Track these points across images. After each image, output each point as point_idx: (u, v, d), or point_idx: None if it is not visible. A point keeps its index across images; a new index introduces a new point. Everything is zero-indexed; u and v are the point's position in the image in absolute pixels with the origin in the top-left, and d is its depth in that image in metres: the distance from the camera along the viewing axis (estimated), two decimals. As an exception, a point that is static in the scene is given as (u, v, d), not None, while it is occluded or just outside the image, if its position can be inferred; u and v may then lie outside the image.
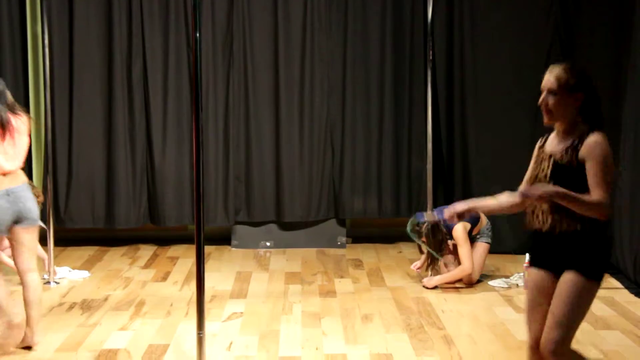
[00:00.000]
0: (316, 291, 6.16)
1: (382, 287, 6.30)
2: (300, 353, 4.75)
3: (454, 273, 6.19)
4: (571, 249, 3.35)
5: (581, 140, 3.33)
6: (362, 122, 7.72)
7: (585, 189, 3.28)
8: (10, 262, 6.33)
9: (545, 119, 3.44)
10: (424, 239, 6.09)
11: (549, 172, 3.40)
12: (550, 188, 3.29)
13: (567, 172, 3.34)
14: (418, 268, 6.40)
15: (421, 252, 6.27)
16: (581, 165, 3.30)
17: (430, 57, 6.60)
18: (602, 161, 3.27)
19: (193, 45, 3.98)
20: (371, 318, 5.47)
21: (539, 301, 3.45)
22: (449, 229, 6.16)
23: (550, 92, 3.39)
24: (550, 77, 3.40)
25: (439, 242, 6.08)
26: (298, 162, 7.72)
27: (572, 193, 3.25)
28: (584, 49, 7.17)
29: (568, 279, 3.34)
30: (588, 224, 3.30)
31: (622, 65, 6.78)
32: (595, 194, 3.25)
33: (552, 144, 3.45)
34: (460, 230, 6.17)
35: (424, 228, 6.05)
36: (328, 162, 7.76)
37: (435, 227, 6.04)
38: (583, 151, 3.30)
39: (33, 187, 6.45)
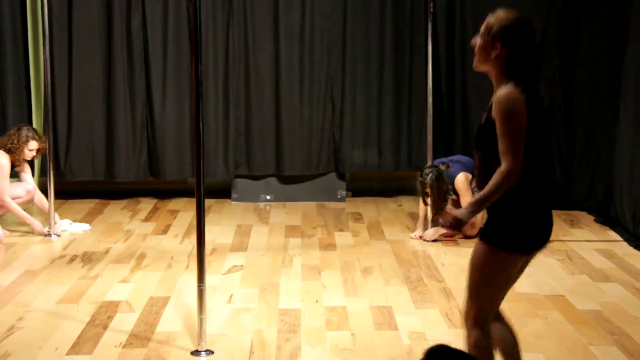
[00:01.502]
0: (316, 244, 6.19)
1: (382, 240, 6.32)
2: (300, 306, 4.79)
3: None
4: (487, 220, 3.14)
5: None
6: (363, 76, 7.68)
7: (495, 151, 3.00)
8: (24, 214, 6.36)
9: (474, 63, 3.16)
10: (428, 189, 6.07)
11: (475, 135, 3.16)
12: (464, 212, 3.00)
13: (486, 133, 3.05)
14: (420, 237, 6.35)
15: (425, 203, 6.25)
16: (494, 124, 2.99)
17: (431, 10, 6.54)
18: (505, 119, 2.93)
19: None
20: (371, 271, 5.50)
21: None
22: (451, 179, 6.16)
23: (480, 33, 3.10)
24: (487, 18, 3.11)
25: (442, 193, 6.06)
26: (298, 116, 7.70)
27: (483, 193, 2.98)
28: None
29: (475, 248, 3.18)
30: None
31: (625, 12, 6.73)
32: (503, 163, 2.93)
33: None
34: (462, 180, 6.16)
35: (428, 178, 6.04)
36: (328, 116, 7.74)
37: (439, 176, 6.04)
38: (493, 109, 2.99)
39: (39, 135, 6.45)
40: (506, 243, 3.06)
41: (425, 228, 6.32)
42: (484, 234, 3.14)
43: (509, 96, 2.96)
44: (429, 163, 6.40)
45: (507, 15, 3.10)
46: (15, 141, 6.28)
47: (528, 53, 3.05)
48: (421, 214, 6.37)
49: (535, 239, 3.12)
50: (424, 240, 6.21)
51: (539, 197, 3.08)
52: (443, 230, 6.16)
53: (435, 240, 6.19)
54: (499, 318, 3.33)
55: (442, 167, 6.17)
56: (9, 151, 6.29)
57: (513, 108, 2.94)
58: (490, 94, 3.14)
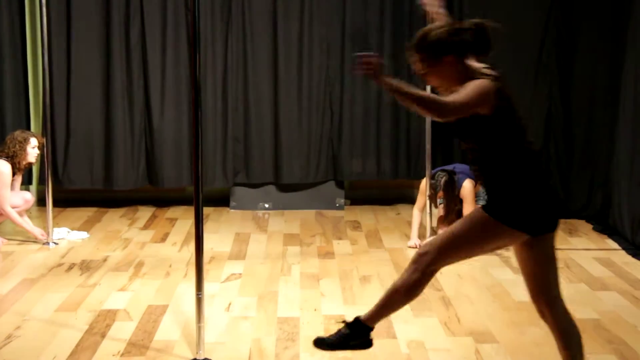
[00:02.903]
0: (315, 252, 6.18)
1: (380, 248, 6.32)
2: (298, 314, 4.78)
3: None
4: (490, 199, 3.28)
5: None
6: (361, 84, 7.68)
7: (488, 139, 3.19)
8: (23, 222, 6.35)
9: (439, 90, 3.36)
10: (441, 193, 6.17)
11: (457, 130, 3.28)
12: (388, 76, 3.12)
13: (472, 125, 3.20)
14: (417, 246, 6.33)
15: (435, 206, 6.28)
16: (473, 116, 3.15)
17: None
18: (469, 87, 3.11)
19: (191, 5, 3.94)
20: (369, 279, 5.49)
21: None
22: (459, 185, 6.23)
23: (416, 61, 3.31)
24: (412, 46, 3.33)
25: (454, 197, 6.18)
26: (297, 124, 7.70)
27: (409, 89, 3.05)
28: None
29: (472, 214, 3.32)
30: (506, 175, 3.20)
31: (623, 19, 6.75)
32: (446, 99, 3.09)
33: None
34: (469, 186, 6.22)
35: (441, 182, 6.13)
36: (327, 124, 7.74)
37: (451, 181, 6.13)
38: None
39: (34, 133, 6.44)
40: (508, 219, 3.19)
41: (420, 236, 6.33)
42: (487, 207, 3.24)
43: (482, 81, 3.15)
44: (428, 171, 6.40)
45: (429, 31, 3.29)
46: (16, 145, 6.27)
47: (471, 45, 3.26)
48: (415, 222, 6.37)
49: (544, 220, 3.27)
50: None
51: (538, 179, 3.23)
52: None
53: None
54: (565, 311, 3.37)
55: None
56: (9, 158, 6.27)
57: (481, 86, 3.12)
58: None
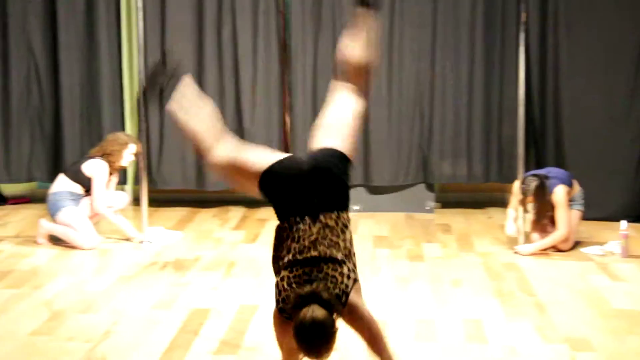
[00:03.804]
0: (404, 255, 6.15)
1: (472, 252, 6.24)
2: (388, 317, 4.75)
3: (549, 240, 6.07)
4: None
5: None
6: (452, 85, 7.61)
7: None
8: (118, 222, 6.50)
9: None
10: (531, 198, 6.03)
11: None
12: None
13: None
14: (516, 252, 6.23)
15: (526, 211, 6.17)
16: None
17: (524, 19, 6.42)
18: None
19: (282, 7, 3.96)
20: (460, 283, 5.42)
21: None
22: (550, 190, 6.06)
23: None
24: None
25: (545, 203, 6.02)
26: (386, 126, 7.67)
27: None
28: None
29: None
30: None
31: None
32: None
33: None
34: (562, 192, 6.05)
35: (532, 187, 6.00)
36: (417, 126, 7.69)
37: (542, 186, 5.99)
38: None
39: (135, 139, 6.58)
40: None
41: (512, 241, 6.21)
42: None
43: None
44: (520, 175, 6.28)
45: None
46: (115, 145, 6.42)
47: None
48: (510, 215, 6.26)
49: None
50: (520, 254, 6.08)
51: None
52: (542, 247, 6.06)
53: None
54: None
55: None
56: (105, 156, 6.42)
57: None
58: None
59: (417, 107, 7.66)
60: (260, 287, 5.35)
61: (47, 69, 7.80)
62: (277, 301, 3.42)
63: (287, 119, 4.19)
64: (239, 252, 6.27)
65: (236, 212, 7.64)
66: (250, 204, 7.85)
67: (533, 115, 7.39)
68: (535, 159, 7.41)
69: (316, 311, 3.17)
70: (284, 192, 3.53)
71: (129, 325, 4.64)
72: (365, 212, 7.66)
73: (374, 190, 7.78)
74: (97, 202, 6.38)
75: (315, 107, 7.67)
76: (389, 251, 6.27)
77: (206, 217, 7.44)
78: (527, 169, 6.60)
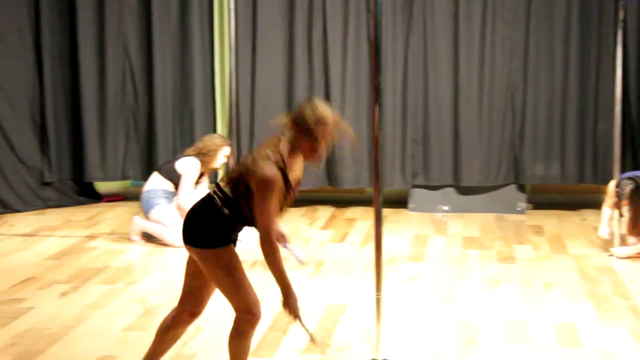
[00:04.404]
0: (495, 257, 6.05)
1: (565, 254, 6.10)
2: (478, 319, 4.69)
3: None
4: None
5: None
6: (545, 84, 7.46)
7: None
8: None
9: None
10: (625, 201, 5.86)
11: None
12: None
13: None
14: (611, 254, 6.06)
15: (621, 215, 6.00)
16: None
17: (622, 17, 6.24)
18: None
19: (373, 7, 3.95)
20: (553, 286, 5.31)
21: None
22: None
23: None
24: None
25: (638, 208, 5.83)
26: (477, 126, 7.57)
27: None
28: None
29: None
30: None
31: None
32: None
33: None
34: None
35: (627, 190, 5.83)
36: (508, 126, 7.56)
37: (636, 189, 5.81)
38: None
39: (230, 143, 6.65)
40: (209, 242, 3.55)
41: (607, 243, 6.05)
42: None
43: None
44: (616, 176, 6.11)
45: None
46: (211, 146, 6.51)
47: None
48: (605, 215, 6.09)
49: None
50: (616, 256, 5.92)
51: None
52: (639, 250, 5.88)
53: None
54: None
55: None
56: (199, 155, 6.51)
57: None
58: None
59: (509, 106, 7.54)
60: (348, 286, 5.35)
61: (141, 69, 7.98)
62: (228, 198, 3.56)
63: (377, 120, 4.15)
64: (328, 251, 6.28)
65: (325, 212, 7.66)
66: (339, 203, 7.87)
67: (630, 114, 7.18)
68: (632, 160, 7.19)
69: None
70: None
71: (219, 322, 4.68)
72: (454, 213, 7.58)
73: (464, 190, 7.69)
74: (183, 197, 6.44)
75: (405, 104, 7.63)
76: (479, 252, 6.19)
77: (295, 216, 7.48)
78: (623, 170, 6.41)
